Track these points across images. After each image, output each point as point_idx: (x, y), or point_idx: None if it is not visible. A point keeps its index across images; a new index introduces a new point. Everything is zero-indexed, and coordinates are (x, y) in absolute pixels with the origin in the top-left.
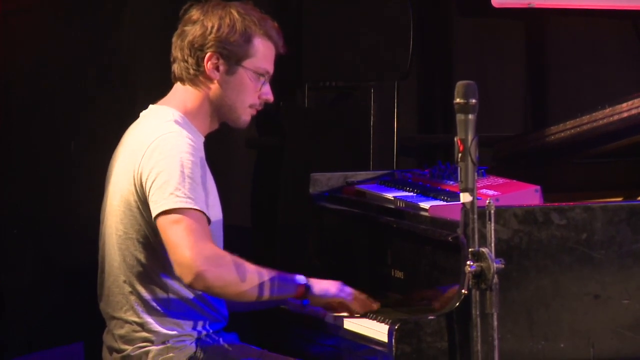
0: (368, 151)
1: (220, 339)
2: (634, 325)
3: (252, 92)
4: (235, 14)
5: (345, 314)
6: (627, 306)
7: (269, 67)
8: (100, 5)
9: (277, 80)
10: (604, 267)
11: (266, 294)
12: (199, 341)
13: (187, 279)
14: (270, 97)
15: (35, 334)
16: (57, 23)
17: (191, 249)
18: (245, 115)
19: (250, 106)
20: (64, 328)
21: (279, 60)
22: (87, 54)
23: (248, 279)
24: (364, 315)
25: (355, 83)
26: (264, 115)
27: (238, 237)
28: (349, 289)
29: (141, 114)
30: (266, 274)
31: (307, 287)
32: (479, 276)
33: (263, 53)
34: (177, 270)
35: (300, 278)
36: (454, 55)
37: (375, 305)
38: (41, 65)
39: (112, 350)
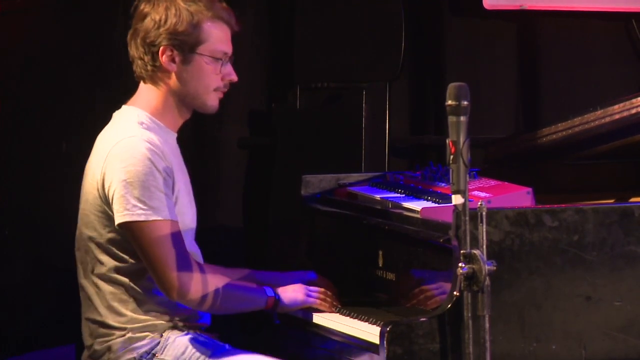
0: (360, 152)
1: (189, 334)
2: (625, 327)
3: (213, 76)
4: (180, 2)
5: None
6: (619, 308)
7: (226, 48)
8: (93, 6)
9: (269, 82)
10: (596, 268)
11: (239, 309)
12: (162, 334)
13: (172, 297)
14: (233, 77)
15: (26, 336)
16: (50, 23)
17: (174, 269)
18: (211, 100)
19: (215, 89)
20: (55, 330)
21: (271, 62)
22: (80, 54)
23: (227, 295)
24: (354, 317)
25: (347, 84)
26: (256, 115)
27: (229, 238)
28: (314, 292)
29: (114, 115)
30: (239, 288)
31: (277, 300)
32: (471, 278)
33: (216, 36)
34: (161, 288)
35: (269, 291)
36: (445, 56)
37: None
38: (32, 64)
39: (85, 348)
